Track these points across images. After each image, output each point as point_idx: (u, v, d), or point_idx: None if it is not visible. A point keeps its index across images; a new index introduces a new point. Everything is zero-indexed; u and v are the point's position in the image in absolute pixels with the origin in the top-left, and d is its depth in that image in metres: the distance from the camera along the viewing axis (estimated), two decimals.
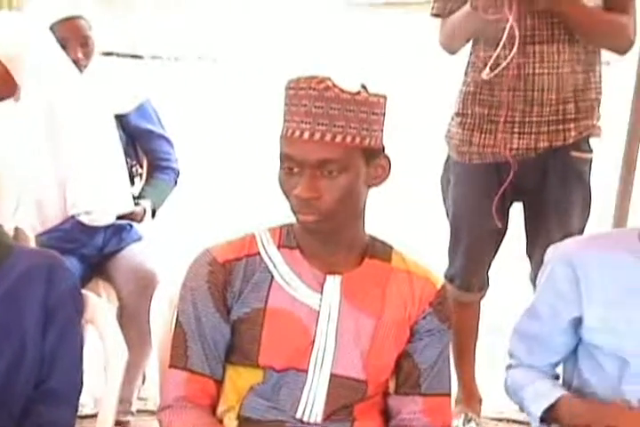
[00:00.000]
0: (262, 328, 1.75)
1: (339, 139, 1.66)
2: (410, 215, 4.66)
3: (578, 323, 1.88)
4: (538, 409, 1.86)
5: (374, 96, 1.70)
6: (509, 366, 2.00)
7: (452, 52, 2.71)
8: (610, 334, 1.83)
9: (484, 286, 2.85)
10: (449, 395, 1.85)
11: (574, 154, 2.66)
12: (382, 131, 1.74)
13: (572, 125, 2.62)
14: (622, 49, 2.58)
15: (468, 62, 2.69)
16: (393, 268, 1.81)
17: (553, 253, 1.92)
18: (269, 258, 1.79)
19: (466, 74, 2.69)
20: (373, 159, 1.72)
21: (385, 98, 1.73)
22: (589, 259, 1.84)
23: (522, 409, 1.98)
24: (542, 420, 1.87)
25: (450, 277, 2.80)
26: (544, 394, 1.88)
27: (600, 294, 1.83)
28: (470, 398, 2.94)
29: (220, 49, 8.95)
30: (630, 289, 1.81)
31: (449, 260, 2.82)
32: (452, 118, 2.74)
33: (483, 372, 2.99)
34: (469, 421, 2.90)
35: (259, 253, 1.79)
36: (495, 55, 2.55)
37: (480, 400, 2.97)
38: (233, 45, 8.96)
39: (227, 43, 9.05)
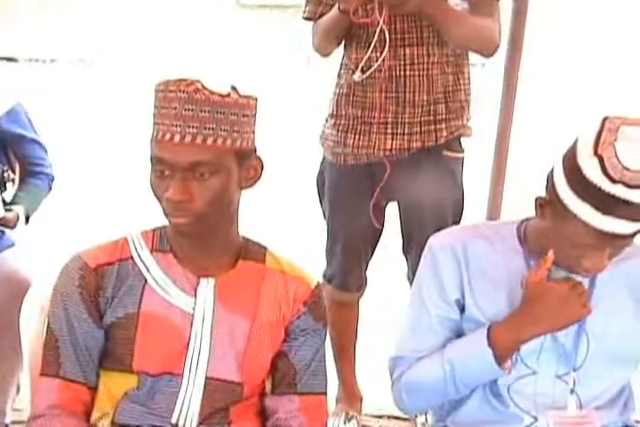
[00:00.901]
0: (136, 333, 1.74)
1: (209, 141, 1.66)
2: (286, 216, 4.68)
3: (462, 308, 1.89)
4: (485, 352, 1.78)
5: (244, 98, 1.70)
6: (399, 375, 1.90)
7: (325, 54, 2.73)
8: (486, 320, 1.85)
9: (362, 285, 2.88)
10: (325, 393, 1.86)
11: (446, 153, 2.71)
12: (253, 132, 1.74)
13: (443, 126, 2.67)
14: (488, 52, 2.62)
15: (341, 64, 2.71)
16: (267, 269, 1.82)
17: (433, 241, 1.93)
18: (142, 262, 1.77)
19: (339, 76, 2.72)
20: (245, 161, 1.72)
21: (255, 99, 1.73)
22: (470, 245, 1.87)
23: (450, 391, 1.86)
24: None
25: (328, 278, 2.83)
26: (469, 338, 1.83)
27: (480, 280, 1.86)
28: (351, 396, 2.97)
29: (100, 52, 8.81)
30: (508, 278, 1.85)
31: (326, 260, 2.84)
32: (327, 120, 2.76)
33: (363, 370, 3.03)
34: (350, 419, 2.93)
35: (132, 258, 1.77)
36: (367, 57, 2.58)
37: (361, 398, 3.00)
38: (114, 48, 8.82)
39: (107, 45, 8.92)
